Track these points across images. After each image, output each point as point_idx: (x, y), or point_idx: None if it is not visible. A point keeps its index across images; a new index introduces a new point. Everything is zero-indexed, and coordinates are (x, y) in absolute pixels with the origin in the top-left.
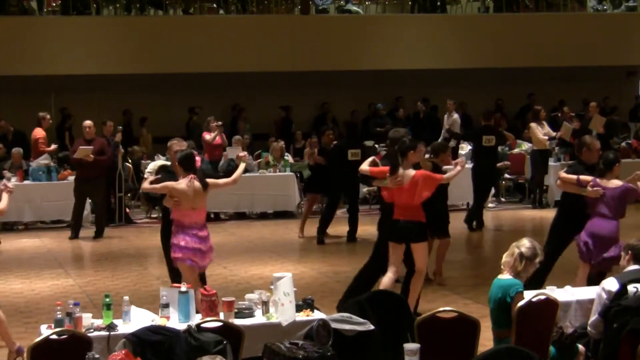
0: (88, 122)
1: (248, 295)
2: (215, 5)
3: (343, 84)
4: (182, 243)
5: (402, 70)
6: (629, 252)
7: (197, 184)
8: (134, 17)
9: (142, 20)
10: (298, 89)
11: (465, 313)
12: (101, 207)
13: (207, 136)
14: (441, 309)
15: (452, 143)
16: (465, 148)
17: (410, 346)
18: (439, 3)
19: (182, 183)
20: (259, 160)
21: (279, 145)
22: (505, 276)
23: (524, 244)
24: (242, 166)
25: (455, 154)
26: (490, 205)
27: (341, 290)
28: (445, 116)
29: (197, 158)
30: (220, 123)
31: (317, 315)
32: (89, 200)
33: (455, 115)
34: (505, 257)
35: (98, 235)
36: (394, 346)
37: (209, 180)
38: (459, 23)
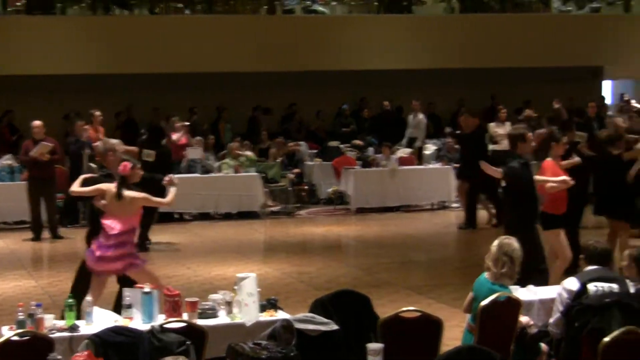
0: (37, 123)
1: (212, 296)
2: (181, 5)
3: (309, 85)
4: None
5: (368, 71)
6: (583, 253)
7: (114, 190)
8: (99, 16)
9: (107, 20)
10: (265, 89)
11: (428, 313)
12: (54, 207)
13: (173, 136)
14: (404, 308)
15: (418, 143)
16: (431, 148)
17: (374, 346)
18: (405, 4)
19: (112, 186)
20: (222, 162)
21: (235, 145)
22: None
23: (514, 248)
24: (173, 189)
25: (419, 155)
26: (454, 205)
27: (305, 291)
28: (411, 116)
29: (127, 164)
30: (186, 123)
31: (281, 315)
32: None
33: (421, 116)
34: (496, 268)
35: (54, 236)
36: (357, 346)
37: (138, 194)
38: (424, 24)
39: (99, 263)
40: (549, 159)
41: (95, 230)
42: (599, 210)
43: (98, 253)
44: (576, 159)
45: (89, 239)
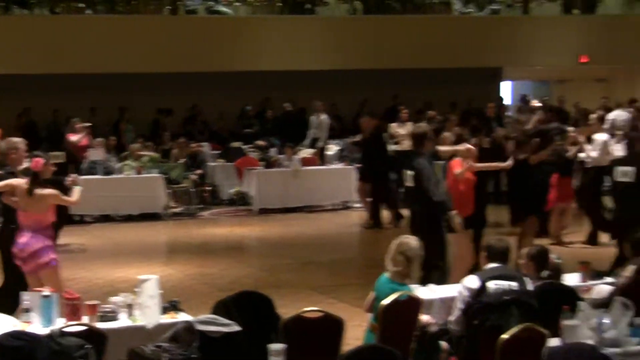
0: None
1: (112, 299)
2: (82, 5)
3: (213, 85)
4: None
5: (272, 72)
6: (485, 251)
7: (25, 186)
8: None
9: (6, 20)
10: (169, 90)
11: (330, 312)
12: None
13: (73, 138)
14: (306, 309)
15: (321, 144)
16: (333, 149)
17: (276, 346)
18: (307, 5)
19: (23, 182)
20: (124, 163)
21: (137, 146)
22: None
23: (410, 247)
24: (77, 188)
25: (322, 155)
26: (356, 205)
27: (207, 292)
28: (313, 117)
29: (40, 160)
30: (87, 124)
31: (183, 317)
32: None
33: (323, 116)
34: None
35: None
36: (259, 347)
37: (49, 191)
38: (327, 25)
39: (23, 261)
40: (456, 159)
41: (7, 228)
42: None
43: (16, 250)
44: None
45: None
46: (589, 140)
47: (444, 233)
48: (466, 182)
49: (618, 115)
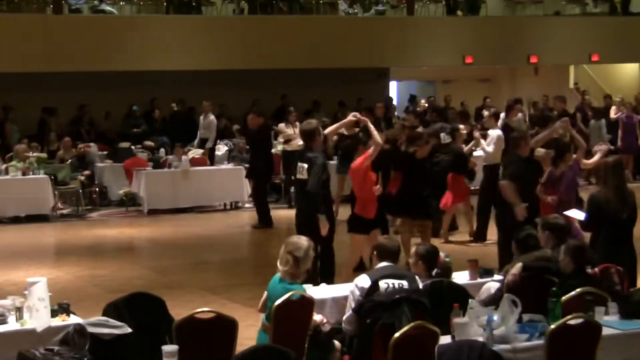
0: None
1: (0, 302)
2: None
3: (99, 85)
4: None
5: (160, 72)
6: (374, 251)
7: None
8: None
9: None
10: (57, 90)
11: (223, 313)
12: None
13: None
14: (199, 309)
15: (210, 144)
16: (222, 149)
17: (168, 348)
18: (194, 4)
19: None
20: (9, 164)
21: (22, 147)
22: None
23: (298, 247)
24: None
25: (211, 156)
26: (247, 205)
27: (99, 294)
28: (201, 117)
29: None
30: None
31: (73, 320)
32: None
33: (212, 117)
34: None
35: None
36: (152, 349)
37: None
38: (214, 25)
39: None
40: (358, 160)
41: None
42: (397, 210)
43: None
44: None
45: None
46: (484, 137)
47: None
48: (369, 183)
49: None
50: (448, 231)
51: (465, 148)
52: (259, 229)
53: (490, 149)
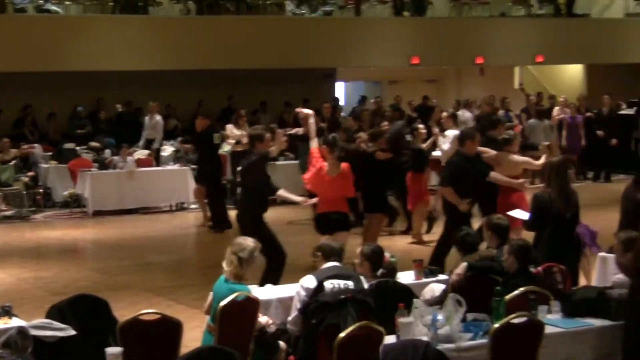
0: None
1: None
2: None
3: (44, 86)
4: None
5: (105, 72)
6: (319, 252)
7: None
8: None
9: None
10: None
11: (168, 315)
12: None
13: None
14: (144, 311)
15: (156, 145)
16: (168, 150)
17: (113, 350)
18: (140, 4)
19: None
20: None
21: None
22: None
23: (242, 248)
24: None
25: (157, 156)
26: (192, 206)
27: (42, 296)
28: (147, 118)
29: None
30: None
31: (16, 322)
32: None
33: (158, 117)
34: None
35: None
36: (96, 350)
37: None
38: (160, 25)
39: None
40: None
41: None
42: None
43: None
44: None
45: None
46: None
47: (266, 232)
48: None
49: (462, 114)
50: (415, 232)
51: (424, 145)
52: (214, 231)
53: (446, 147)
